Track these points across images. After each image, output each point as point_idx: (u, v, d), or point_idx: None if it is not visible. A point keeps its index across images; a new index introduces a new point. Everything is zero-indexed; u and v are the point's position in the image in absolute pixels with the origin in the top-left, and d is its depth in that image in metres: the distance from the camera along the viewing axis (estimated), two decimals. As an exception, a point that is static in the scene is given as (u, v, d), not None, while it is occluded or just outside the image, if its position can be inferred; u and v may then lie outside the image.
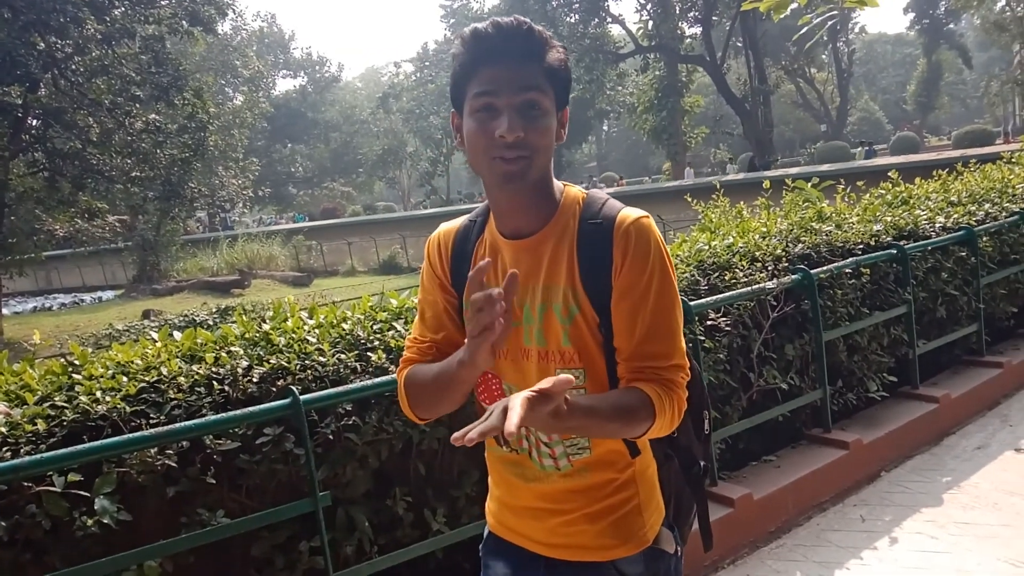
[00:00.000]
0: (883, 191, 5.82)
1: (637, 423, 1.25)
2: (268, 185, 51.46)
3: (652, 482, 1.44)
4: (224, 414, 2.48)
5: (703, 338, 3.61)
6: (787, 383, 4.03)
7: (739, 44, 40.28)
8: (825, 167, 24.35)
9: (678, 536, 1.49)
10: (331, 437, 2.69)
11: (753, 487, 3.57)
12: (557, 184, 1.41)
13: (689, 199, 5.99)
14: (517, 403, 1.04)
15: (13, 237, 19.20)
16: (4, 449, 2.23)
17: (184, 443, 2.49)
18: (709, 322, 3.74)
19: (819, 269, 4.13)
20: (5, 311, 21.45)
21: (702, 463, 1.53)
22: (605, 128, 71.38)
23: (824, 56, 53.03)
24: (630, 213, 1.34)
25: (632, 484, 1.41)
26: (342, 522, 2.76)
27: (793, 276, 4.02)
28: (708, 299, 3.67)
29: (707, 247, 4.15)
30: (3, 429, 2.27)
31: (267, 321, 3.02)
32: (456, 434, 1.03)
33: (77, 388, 2.50)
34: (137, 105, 18.80)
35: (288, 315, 3.05)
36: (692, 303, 3.50)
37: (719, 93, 38.45)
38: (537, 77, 1.29)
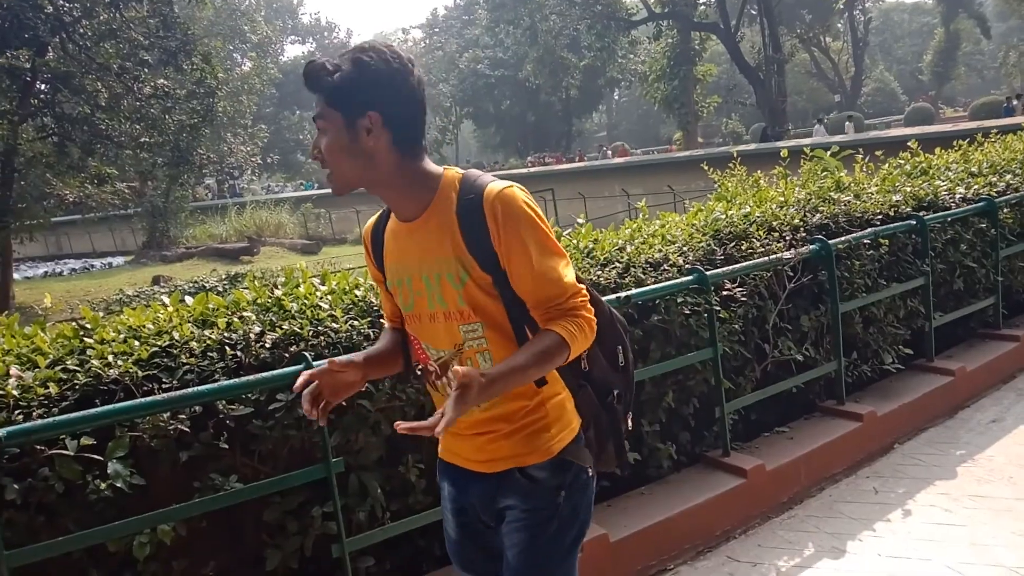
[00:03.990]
0: (902, 161, 5.71)
1: (557, 356, 1.52)
2: (277, 152, 51.32)
3: (561, 405, 1.67)
4: (237, 379, 2.47)
5: (718, 308, 3.57)
6: (802, 354, 3.99)
7: (753, 12, 39.53)
8: (839, 137, 24.02)
9: (592, 456, 1.73)
10: (344, 404, 2.66)
11: (766, 458, 3.55)
12: (435, 170, 1.61)
13: (706, 168, 5.89)
14: (447, 407, 1.36)
15: (23, 202, 19.17)
16: (17, 412, 2.22)
17: (197, 408, 2.48)
18: (724, 292, 3.70)
19: (837, 240, 4.07)
20: (16, 276, 21.53)
21: (616, 391, 1.75)
22: (616, 97, 70.54)
23: (840, 25, 52.09)
24: (496, 185, 1.55)
25: (541, 407, 1.65)
26: (355, 488, 2.76)
27: (811, 246, 3.96)
28: (724, 269, 3.62)
29: (723, 216, 4.09)
30: (15, 392, 2.26)
31: (279, 287, 2.99)
32: (397, 423, 1.39)
33: (89, 352, 2.49)
34: (145, 70, 18.63)
35: (300, 281, 3.02)
36: (708, 273, 3.46)
37: (732, 62, 37.88)
38: (320, 105, 1.53)
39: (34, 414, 2.25)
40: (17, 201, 18.83)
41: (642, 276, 3.42)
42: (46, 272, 30.01)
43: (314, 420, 1.61)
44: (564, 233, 3.77)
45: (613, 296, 3.11)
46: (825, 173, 5.30)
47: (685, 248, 3.73)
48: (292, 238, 30.84)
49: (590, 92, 51.14)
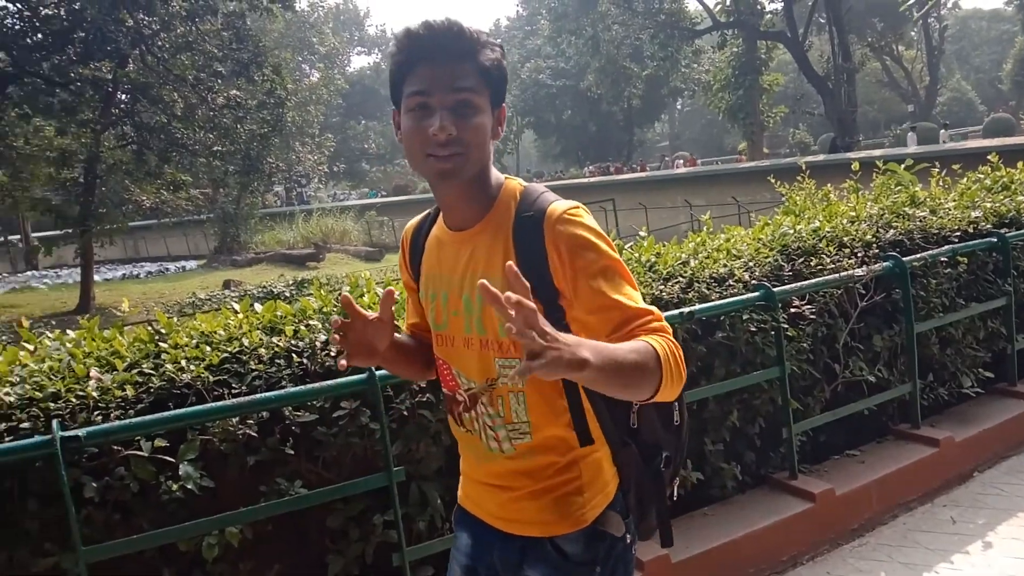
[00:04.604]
0: (981, 175, 5.47)
1: (649, 372, 1.23)
2: (342, 161, 52.46)
3: (597, 465, 1.46)
4: (303, 387, 2.51)
5: (786, 326, 3.47)
6: (874, 375, 3.85)
7: (822, 20, 38.62)
8: (912, 149, 23.22)
9: (632, 523, 1.51)
10: (405, 413, 2.70)
11: (835, 482, 3.43)
12: (497, 177, 1.46)
13: (773, 180, 5.76)
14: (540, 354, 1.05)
15: (103, 207, 20.08)
16: (96, 413, 2.31)
17: (264, 413, 2.53)
18: (793, 309, 3.60)
19: (912, 257, 3.92)
20: (96, 278, 22.50)
21: (665, 454, 1.53)
22: (679, 106, 69.81)
23: (913, 33, 50.44)
24: (559, 205, 1.38)
25: (574, 467, 1.45)
26: (415, 497, 2.77)
27: (884, 263, 3.82)
28: (792, 285, 3.53)
29: (792, 231, 3.99)
30: (95, 394, 2.35)
31: (345, 296, 3.04)
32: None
33: (163, 356, 2.57)
34: (219, 81, 19.31)
35: (364, 290, 3.07)
36: (775, 289, 3.37)
37: (800, 71, 37.01)
38: (469, 76, 1.34)
39: (112, 415, 2.33)
40: (98, 206, 19.75)
41: (706, 291, 3.36)
42: (124, 274, 31.28)
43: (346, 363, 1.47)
44: (626, 246, 3.74)
45: (676, 312, 3.06)
46: (899, 187, 5.13)
47: (751, 263, 3.65)
48: (356, 245, 31.43)
49: (652, 102, 50.74)
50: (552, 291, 1.36)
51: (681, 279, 3.37)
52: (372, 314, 1.45)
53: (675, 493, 1.61)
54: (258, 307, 2.92)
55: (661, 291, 3.26)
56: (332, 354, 2.68)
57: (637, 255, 3.58)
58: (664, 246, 3.77)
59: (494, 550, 1.53)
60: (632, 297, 1.35)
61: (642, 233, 3.91)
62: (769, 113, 38.73)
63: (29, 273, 34.54)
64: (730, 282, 3.46)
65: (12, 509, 2.18)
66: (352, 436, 2.62)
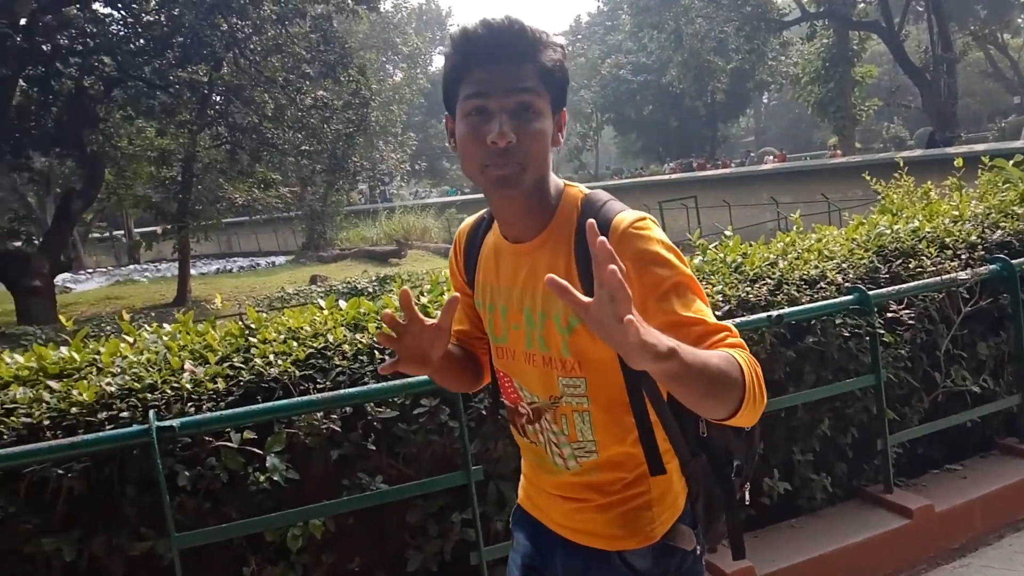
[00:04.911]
0: (1103, 171, 5.07)
1: (732, 382, 1.13)
2: (424, 159, 53.26)
3: (666, 480, 1.40)
4: (384, 383, 2.54)
5: (882, 331, 3.30)
6: (979, 386, 3.62)
7: (920, 8, 36.69)
8: (1020, 143, 21.82)
9: (701, 534, 1.45)
10: (484, 412, 2.70)
11: (935, 498, 3.24)
12: (557, 184, 1.38)
13: (867, 177, 5.49)
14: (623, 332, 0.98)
15: (199, 204, 21.08)
16: (189, 404, 2.40)
17: (348, 409, 2.58)
18: (889, 314, 3.42)
19: (1022, 259, 3.66)
20: (192, 272, 23.59)
21: (737, 463, 1.48)
22: (765, 101, 67.80)
23: (1020, 20, 47.38)
24: (626, 217, 1.29)
25: (643, 481, 1.39)
26: (493, 497, 2.78)
27: (990, 266, 3.59)
28: (889, 289, 3.35)
29: (889, 231, 3.79)
30: (188, 386, 2.44)
31: (425, 294, 3.07)
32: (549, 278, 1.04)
33: (253, 351, 2.65)
34: (307, 82, 19.89)
35: (445, 289, 3.08)
36: (871, 292, 3.21)
37: (895, 62, 35.35)
38: (530, 78, 1.25)
39: (204, 407, 2.42)
40: (194, 203, 20.75)
41: (796, 294, 3.23)
42: (218, 269, 32.65)
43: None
44: (711, 245, 3.64)
45: (764, 315, 2.95)
46: (1007, 185, 4.80)
47: (845, 265, 3.49)
48: (436, 242, 31.86)
49: (737, 96, 49.41)
50: None
51: (769, 281, 3.25)
52: (430, 320, 1.34)
53: (745, 498, 1.56)
54: (342, 304, 2.98)
55: (747, 293, 3.15)
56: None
57: (722, 255, 3.48)
58: (750, 246, 3.65)
59: (556, 556, 1.49)
60: (705, 314, 1.27)
61: (727, 232, 3.79)
62: (862, 106, 37.14)
63: (132, 267, 36.56)
64: (822, 284, 3.32)
65: (112, 495, 2.28)
66: (431, 433, 2.64)
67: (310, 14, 19.05)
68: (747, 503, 1.57)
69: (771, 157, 40.51)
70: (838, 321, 3.24)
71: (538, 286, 1.33)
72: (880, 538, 3.05)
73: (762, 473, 3.18)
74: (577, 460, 1.41)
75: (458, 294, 1.38)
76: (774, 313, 2.97)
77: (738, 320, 2.92)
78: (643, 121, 53.24)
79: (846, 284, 3.34)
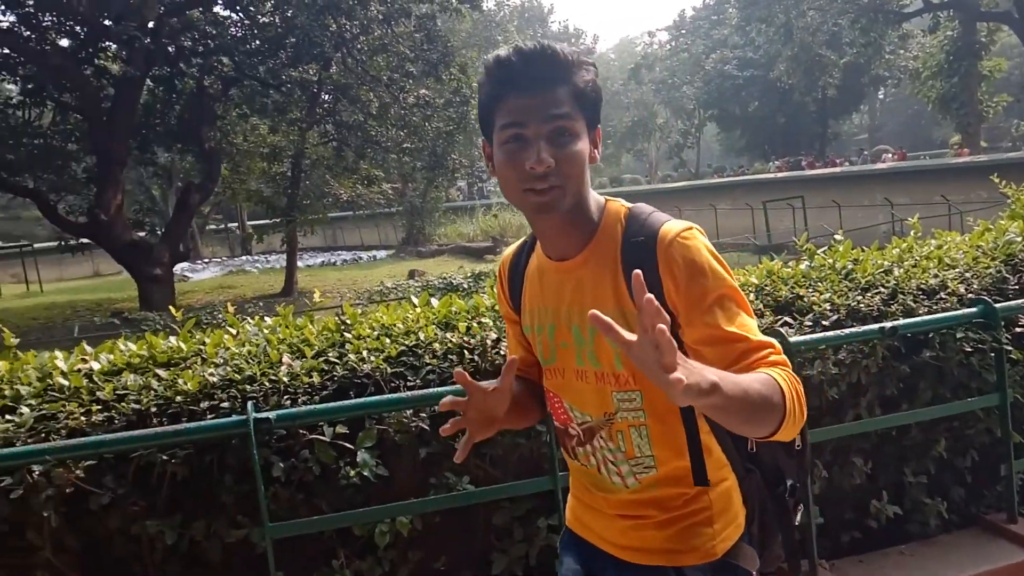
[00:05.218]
0: None
1: (773, 404, 1.15)
2: (521, 156, 53.38)
3: (727, 495, 1.40)
4: (474, 384, 2.52)
5: (1009, 348, 3.04)
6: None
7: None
8: None
9: (759, 554, 1.43)
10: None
11: (1067, 532, 2.96)
12: (598, 200, 1.39)
13: (995, 179, 5.09)
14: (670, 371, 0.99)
15: (307, 199, 21.97)
16: (285, 397, 2.46)
17: (436, 407, 2.58)
18: (1018, 329, 3.14)
19: None
20: (299, 264, 24.61)
21: (789, 482, 1.47)
22: (880, 96, 64.39)
23: None
24: (672, 228, 1.30)
25: (704, 496, 1.38)
26: (580, 504, 2.72)
27: None
28: (1018, 302, 3.08)
29: (1019, 239, 3.48)
30: (285, 379, 2.50)
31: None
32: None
33: (347, 346, 2.69)
34: (410, 81, 20.35)
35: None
36: (997, 305, 2.95)
37: (1030, 54, 32.79)
38: (565, 102, 1.27)
39: (299, 400, 2.48)
40: (302, 198, 21.61)
41: (912, 305, 3.01)
42: (323, 261, 33.95)
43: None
44: (819, 250, 3.45)
45: (876, 326, 2.77)
46: None
47: (968, 274, 3.23)
48: (531, 239, 31.98)
49: (850, 91, 47.10)
50: (669, 316, 1.25)
51: (883, 290, 3.05)
52: (490, 384, 1.34)
53: (798, 518, 1.53)
54: (434, 302, 2.99)
55: (858, 302, 2.96)
56: (501, 352, 2.68)
57: (831, 261, 3.29)
58: (862, 251, 3.43)
59: None
60: (750, 329, 1.27)
61: (837, 236, 3.59)
62: (989, 102, 34.67)
63: (244, 257, 38.55)
64: (941, 295, 3.08)
65: (212, 482, 2.37)
66: (519, 436, 2.62)
67: (415, 13, 19.46)
68: (798, 522, 1.54)
69: (889, 155, 38.20)
70: (959, 335, 3.00)
71: (585, 302, 1.33)
72: (1002, 572, 2.80)
73: (870, 494, 2.99)
74: (636, 477, 1.40)
75: (516, 356, 1.39)
76: (888, 325, 2.78)
77: (847, 331, 2.75)
78: (748, 117, 51.60)
79: (969, 295, 3.09)
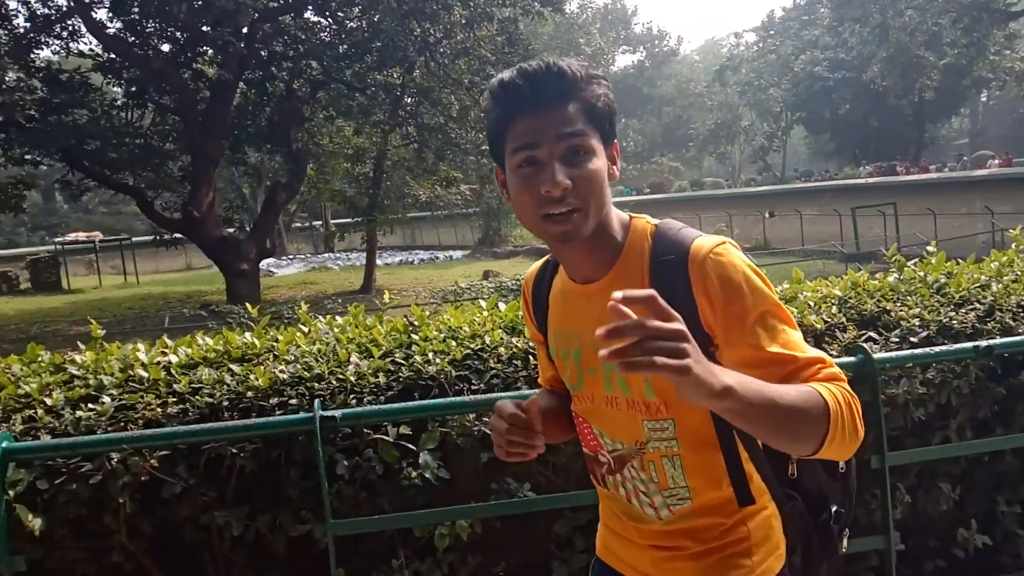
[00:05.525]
0: None
1: (813, 420, 1.08)
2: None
3: (767, 524, 1.32)
4: (536, 390, 2.49)
5: (1122, 371, 2.79)
6: None
7: None
8: None
9: None
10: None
11: None
12: (622, 218, 1.31)
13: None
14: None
15: (387, 199, 22.49)
16: (351, 396, 2.49)
17: (500, 413, 2.56)
18: None
19: None
20: (378, 262, 25.17)
21: (834, 508, 1.39)
22: (983, 99, 61.01)
23: None
24: (704, 243, 1.22)
25: (741, 526, 1.30)
26: (644, 517, 2.65)
27: None
28: None
29: None
30: (352, 378, 2.53)
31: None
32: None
33: (414, 348, 2.70)
34: (491, 83, 20.56)
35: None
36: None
37: None
38: (577, 119, 1.20)
39: (365, 400, 2.50)
40: (383, 198, 22.11)
41: (1011, 323, 2.80)
42: (401, 260, 34.66)
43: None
44: (910, 262, 3.26)
45: (970, 344, 2.59)
46: None
47: (1077, 291, 2.99)
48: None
49: (950, 94, 44.82)
50: (704, 338, 1.20)
51: (979, 306, 2.85)
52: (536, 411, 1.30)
53: (846, 545, 1.45)
54: (502, 306, 2.97)
55: (951, 319, 2.78)
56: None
57: (922, 273, 3.10)
58: (957, 263, 3.23)
59: None
60: (796, 345, 1.19)
61: (930, 247, 3.38)
62: (1106, 105, 32.32)
63: (327, 255, 39.74)
64: (1045, 313, 2.86)
65: (278, 477, 2.42)
66: (580, 444, 2.56)
67: (497, 17, 19.61)
68: (843, 551, 1.45)
69: (995, 161, 36.00)
70: (1064, 356, 2.78)
71: None
72: (1106, 616, 2.58)
73: (958, 521, 2.81)
74: (670, 508, 1.34)
75: (537, 399, 1.32)
76: (983, 343, 2.60)
77: (937, 349, 2.58)
78: (838, 121, 49.78)
79: (1077, 314, 2.86)
